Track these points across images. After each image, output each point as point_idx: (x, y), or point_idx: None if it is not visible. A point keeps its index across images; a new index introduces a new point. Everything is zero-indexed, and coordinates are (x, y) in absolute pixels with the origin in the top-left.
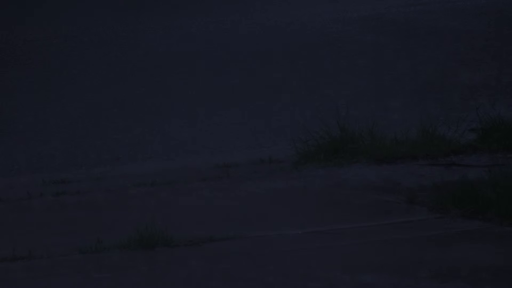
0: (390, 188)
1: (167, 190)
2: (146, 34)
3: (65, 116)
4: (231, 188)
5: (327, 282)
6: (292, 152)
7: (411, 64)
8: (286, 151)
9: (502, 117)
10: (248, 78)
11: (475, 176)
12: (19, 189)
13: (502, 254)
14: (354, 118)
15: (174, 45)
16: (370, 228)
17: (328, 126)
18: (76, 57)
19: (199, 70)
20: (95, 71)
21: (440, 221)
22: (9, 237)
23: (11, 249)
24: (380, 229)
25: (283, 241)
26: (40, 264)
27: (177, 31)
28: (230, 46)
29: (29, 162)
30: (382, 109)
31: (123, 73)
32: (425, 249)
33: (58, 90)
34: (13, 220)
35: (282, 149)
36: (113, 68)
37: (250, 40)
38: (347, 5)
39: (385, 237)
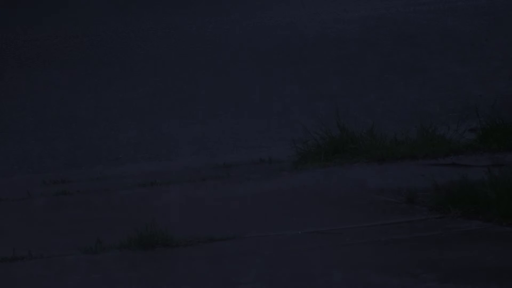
0: (390, 188)
1: (167, 190)
2: (146, 34)
3: (65, 116)
4: (231, 188)
5: (327, 282)
6: (292, 152)
7: (411, 64)
8: (286, 151)
9: (502, 117)
10: (248, 78)
11: (475, 176)
12: (19, 189)
13: (502, 254)
14: (354, 118)
15: (174, 45)
16: (370, 228)
17: (328, 126)
18: (76, 57)
19: (199, 70)
20: (95, 71)
21: (440, 221)
22: (9, 237)
23: (11, 249)
24: (380, 229)
25: (283, 241)
26: (40, 264)
27: (177, 31)
28: (230, 46)
29: (29, 162)
30: (382, 109)
31: (123, 73)
32: (425, 249)
33: (58, 90)
34: (13, 220)
35: (282, 149)
36: (113, 68)
37: (250, 40)
38: (347, 5)
39: (385, 237)
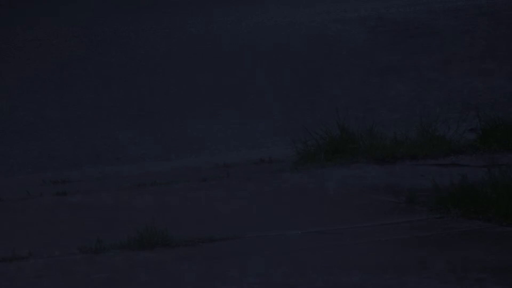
0: (390, 188)
1: (167, 190)
2: (146, 34)
3: (65, 116)
4: (231, 188)
5: (327, 282)
6: (292, 152)
7: (411, 64)
8: (286, 151)
9: (502, 117)
10: (248, 78)
11: (475, 176)
12: (19, 189)
13: (502, 254)
14: (354, 118)
15: (174, 45)
16: (370, 228)
17: (328, 126)
18: (76, 57)
19: (199, 70)
20: (95, 71)
21: (440, 221)
22: (9, 237)
23: (11, 249)
24: (380, 229)
25: (283, 241)
26: (40, 264)
27: (177, 31)
28: (230, 46)
29: (29, 162)
30: (382, 109)
31: (123, 73)
32: (425, 249)
33: (58, 90)
34: (13, 220)
35: (282, 149)
36: (113, 68)
37: (250, 40)
38: (347, 5)
39: (385, 237)
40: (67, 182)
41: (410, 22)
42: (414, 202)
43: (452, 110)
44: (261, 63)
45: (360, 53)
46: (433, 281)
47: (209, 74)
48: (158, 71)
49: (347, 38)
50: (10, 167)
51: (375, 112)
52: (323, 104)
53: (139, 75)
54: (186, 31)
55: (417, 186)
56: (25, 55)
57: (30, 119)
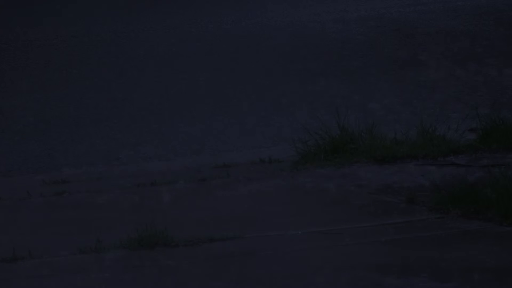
0: (390, 188)
1: (167, 190)
2: (146, 34)
3: (65, 116)
4: (231, 188)
5: (327, 282)
6: (292, 152)
7: (410, 64)
8: (286, 151)
9: (502, 117)
10: (248, 78)
11: (475, 176)
12: (19, 189)
13: (502, 254)
14: (354, 118)
15: (174, 45)
16: (370, 228)
17: (328, 126)
18: (76, 57)
19: (199, 70)
20: (95, 71)
21: (440, 221)
22: (9, 237)
23: (11, 249)
24: (380, 229)
25: (283, 241)
26: (40, 264)
27: (177, 31)
28: (230, 46)
29: (29, 162)
30: (382, 109)
31: (123, 73)
32: (425, 249)
33: (58, 90)
34: (13, 220)
35: (282, 149)
36: (113, 68)
37: (250, 40)
38: (347, 5)
39: (385, 237)
40: (67, 182)
41: (410, 22)
42: (414, 202)
43: (452, 110)
44: (261, 63)
45: (360, 53)
46: (433, 281)
47: (209, 74)
48: (158, 71)
49: (347, 38)
50: (10, 167)
51: (375, 112)
52: (323, 104)
53: (139, 75)
54: (186, 31)
55: (417, 186)
56: (25, 55)
57: (30, 119)
